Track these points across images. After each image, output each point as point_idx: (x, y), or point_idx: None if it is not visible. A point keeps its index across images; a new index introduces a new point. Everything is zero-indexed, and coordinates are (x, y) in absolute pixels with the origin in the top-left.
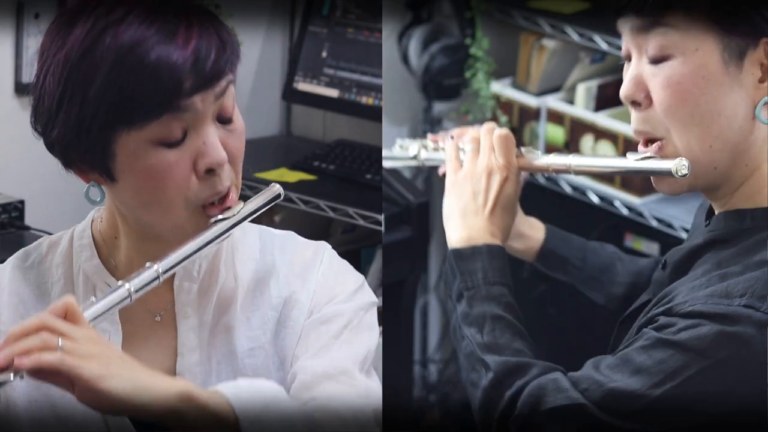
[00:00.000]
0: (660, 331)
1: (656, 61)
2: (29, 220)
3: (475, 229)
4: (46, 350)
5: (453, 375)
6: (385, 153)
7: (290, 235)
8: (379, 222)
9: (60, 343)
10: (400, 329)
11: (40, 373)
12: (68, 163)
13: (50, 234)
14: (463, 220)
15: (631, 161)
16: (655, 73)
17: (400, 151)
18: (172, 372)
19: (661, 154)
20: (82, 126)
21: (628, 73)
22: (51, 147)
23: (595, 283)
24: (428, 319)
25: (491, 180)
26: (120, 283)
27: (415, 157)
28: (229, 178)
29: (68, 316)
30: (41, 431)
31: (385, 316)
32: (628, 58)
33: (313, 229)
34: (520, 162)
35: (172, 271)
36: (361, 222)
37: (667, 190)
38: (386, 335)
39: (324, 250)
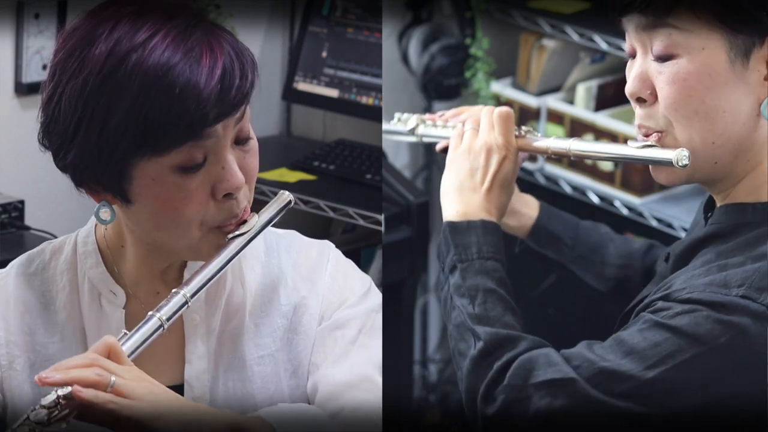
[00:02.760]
0: (656, 314)
1: (662, 59)
2: (29, 220)
3: (471, 205)
4: (100, 386)
5: (453, 375)
6: (384, 126)
7: (293, 235)
8: (379, 222)
9: (112, 381)
10: (400, 329)
11: (88, 413)
12: (80, 183)
13: (50, 234)
14: (460, 196)
15: (632, 149)
16: (660, 70)
17: (399, 125)
18: (180, 379)
19: (661, 144)
20: (102, 152)
21: (633, 70)
22: (63, 169)
23: (586, 263)
24: (428, 319)
25: (490, 158)
26: (150, 314)
27: (412, 132)
28: (246, 199)
29: (111, 355)
30: None
31: (385, 316)
32: (632, 56)
33: (313, 229)
34: (519, 142)
35: (198, 294)
36: (361, 222)
37: (665, 180)
38: (386, 335)
39: (329, 250)
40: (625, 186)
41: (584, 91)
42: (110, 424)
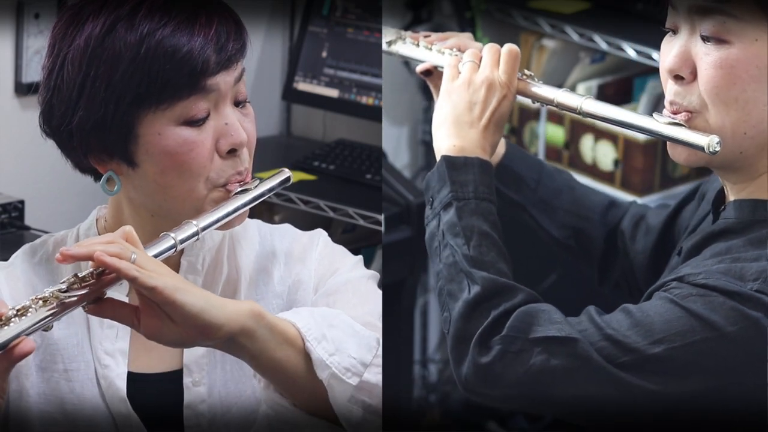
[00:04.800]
0: (671, 293)
1: (711, 41)
2: (29, 220)
3: (468, 140)
4: (122, 257)
5: (453, 375)
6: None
7: (287, 226)
8: (379, 222)
9: (133, 257)
10: (400, 329)
11: (103, 306)
12: (86, 152)
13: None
14: (457, 129)
15: (658, 124)
16: (707, 51)
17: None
18: (179, 365)
19: (690, 125)
20: (108, 108)
21: (675, 47)
22: (69, 138)
23: (546, 208)
24: (428, 319)
25: (490, 94)
26: (163, 234)
27: (389, 45)
28: (247, 161)
29: (129, 241)
30: (49, 427)
31: (385, 316)
32: (674, 31)
33: (313, 229)
34: (519, 85)
35: (209, 229)
36: (361, 222)
37: (683, 159)
38: (386, 335)
39: (319, 235)
40: (625, 186)
41: (584, 91)
42: (127, 318)
